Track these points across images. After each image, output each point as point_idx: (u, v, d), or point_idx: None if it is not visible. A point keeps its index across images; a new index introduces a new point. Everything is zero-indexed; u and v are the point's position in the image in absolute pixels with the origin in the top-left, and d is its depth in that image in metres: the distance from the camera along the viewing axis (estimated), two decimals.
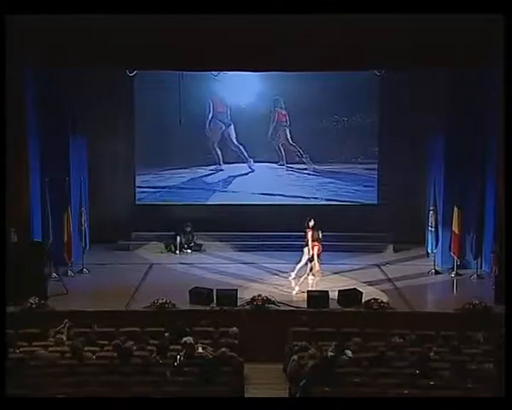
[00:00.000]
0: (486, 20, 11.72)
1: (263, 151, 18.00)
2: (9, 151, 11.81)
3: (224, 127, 17.86)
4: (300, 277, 14.13)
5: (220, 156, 17.98)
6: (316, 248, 14.08)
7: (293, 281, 14.31)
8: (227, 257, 16.86)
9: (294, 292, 13.72)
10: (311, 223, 14.26)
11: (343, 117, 17.78)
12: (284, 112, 17.78)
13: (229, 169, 18.10)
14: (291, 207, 17.81)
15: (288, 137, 17.89)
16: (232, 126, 17.82)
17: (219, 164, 18.03)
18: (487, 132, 14.94)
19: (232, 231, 17.56)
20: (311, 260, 14.13)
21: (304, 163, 18.03)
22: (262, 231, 17.56)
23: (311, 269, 14.16)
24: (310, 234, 14.17)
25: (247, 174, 18.06)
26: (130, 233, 17.70)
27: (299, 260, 14.39)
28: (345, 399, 8.47)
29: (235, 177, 18.15)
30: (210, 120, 17.83)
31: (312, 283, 14.13)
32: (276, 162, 18.08)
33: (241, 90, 17.50)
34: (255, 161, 18.02)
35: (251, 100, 17.63)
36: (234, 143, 17.89)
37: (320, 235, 14.17)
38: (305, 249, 14.25)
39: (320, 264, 14.29)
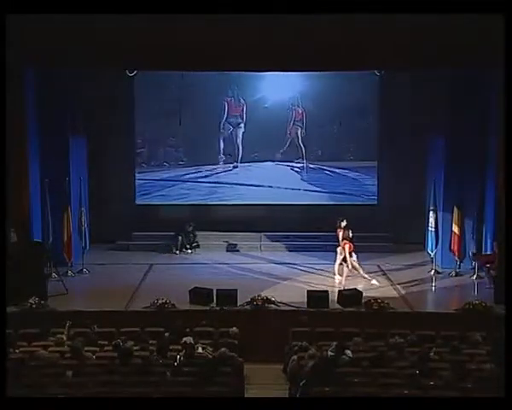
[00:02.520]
0: (486, 20, 11.72)
1: (274, 150, 17.90)
2: (9, 151, 11.80)
3: (232, 128, 17.75)
4: (341, 275, 14.33)
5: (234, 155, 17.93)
6: (347, 247, 14.20)
7: (337, 280, 14.45)
8: (228, 257, 16.87)
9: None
10: (344, 223, 14.45)
11: (344, 117, 17.77)
12: (301, 110, 17.68)
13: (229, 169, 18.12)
14: (291, 207, 17.84)
15: (299, 135, 17.82)
16: (241, 127, 17.68)
17: (231, 163, 17.98)
18: (487, 132, 14.94)
19: (233, 230, 17.58)
20: (343, 259, 14.29)
21: (305, 162, 18.04)
22: (263, 231, 17.61)
23: (347, 267, 14.30)
24: (341, 234, 14.37)
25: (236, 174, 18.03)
26: (131, 233, 17.69)
27: (335, 261, 14.58)
28: (345, 399, 8.47)
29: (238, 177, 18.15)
30: (224, 122, 17.70)
31: (347, 281, 14.16)
32: (285, 161, 18.00)
33: (258, 89, 17.46)
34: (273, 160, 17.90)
35: (268, 99, 17.55)
36: (235, 144, 17.82)
37: (350, 234, 14.29)
38: (338, 249, 14.42)
39: (359, 262, 14.42)
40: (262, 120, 17.51)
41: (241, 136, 17.68)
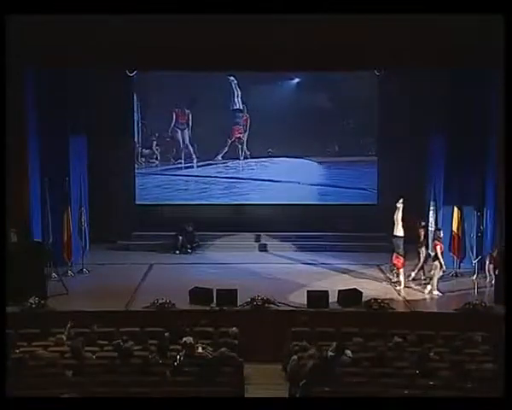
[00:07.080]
0: (486, 20, 11.72)
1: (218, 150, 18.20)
2: (9, 151, 11.79)
3: (179, 132, 18.10)
4: (421, 277, 14.29)
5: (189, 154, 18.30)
6: (438, 247, 13.92)
7: (411, 282, 14.44)
8: (228, 257, 16.85)
9: (426, 291, 13.79)
10: (424, 223, 14.68)
11: (344, 117, 17.78)
12: (245, 116, 17.96)
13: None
14: (290, 207, 17.85)
15: (243, 138, 18.14)
16: (186, 130, 18.09)
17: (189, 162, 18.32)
18: (487, 132, 14.94)
19: (232, 230, 17.59)
20: (433, 259, 14.05)
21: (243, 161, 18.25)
22: (261, 230, 17.61)
23: (435, 268, 13.94)
24: (422, 233, 14.55)
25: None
26: (130, 233, 17.69)
27: (418, 261, 14.61)
28: (345, 399, 8.47)
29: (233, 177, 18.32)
30: (172, 128, 18.03)
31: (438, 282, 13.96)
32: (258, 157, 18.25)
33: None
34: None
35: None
36: (184, 144, 18.16)
37: (441, 234, 14.13)
38: (421, 250, 14.48)
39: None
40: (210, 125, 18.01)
41: (187, 138, 18.14)
